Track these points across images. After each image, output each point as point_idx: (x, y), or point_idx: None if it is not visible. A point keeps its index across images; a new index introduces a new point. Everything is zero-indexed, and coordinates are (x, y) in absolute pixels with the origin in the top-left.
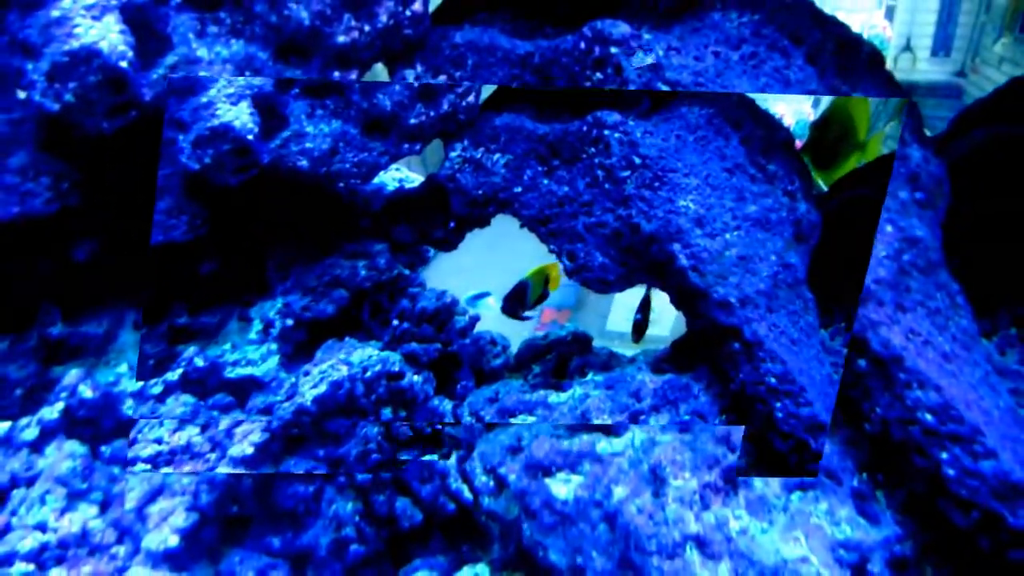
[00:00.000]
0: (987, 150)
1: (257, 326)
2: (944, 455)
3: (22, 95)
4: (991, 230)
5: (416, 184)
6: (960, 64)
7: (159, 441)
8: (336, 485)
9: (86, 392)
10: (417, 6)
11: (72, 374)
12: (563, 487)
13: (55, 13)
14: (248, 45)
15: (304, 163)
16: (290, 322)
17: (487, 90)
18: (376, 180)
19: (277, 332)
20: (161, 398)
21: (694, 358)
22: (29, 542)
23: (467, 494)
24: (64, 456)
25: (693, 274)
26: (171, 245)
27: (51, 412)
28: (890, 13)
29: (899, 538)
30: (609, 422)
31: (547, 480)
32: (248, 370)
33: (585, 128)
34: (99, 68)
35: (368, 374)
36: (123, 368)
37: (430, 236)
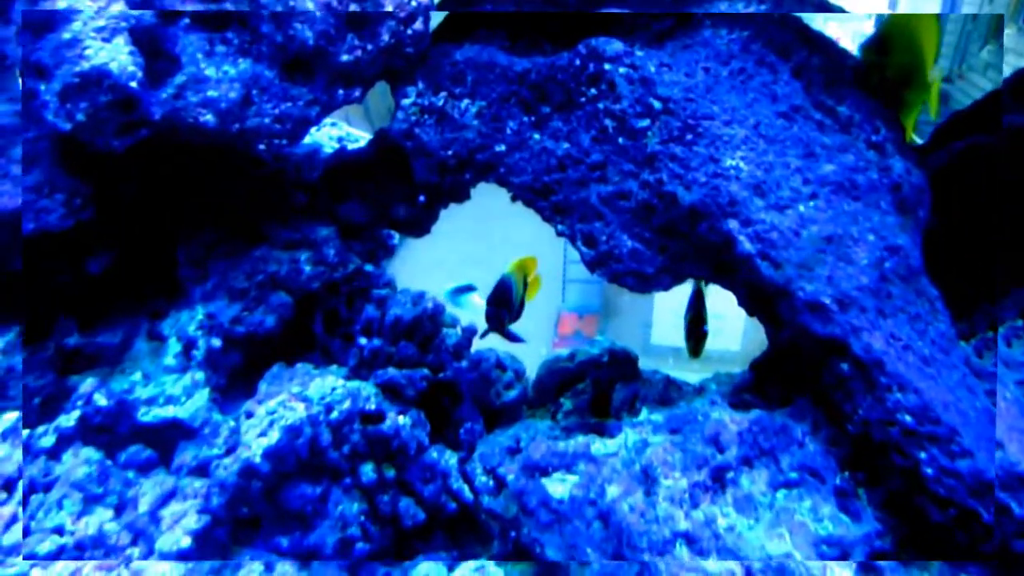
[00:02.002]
0: (966, 160)
1: (174, 347)
2: (923, 455)
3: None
4: (971, 237)
5: (362, 144)
6: (947, 70)
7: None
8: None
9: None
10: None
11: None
12: (559, 486)
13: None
14: (255, 64)
15: (209, 118)
16: (217, 341)
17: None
18: (308, 140)
19: (202, 355)
20: (55, 453)
21: (787, 386)
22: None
23: (468, 494)
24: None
25: (764, 264)
26: (46, 234)
27: (68, 420)
28: (879, 21)
29: (879, 533)
30: (683, 484)
31: (544, 480)
32: (169, 411)
33: (578, 62)
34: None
35: (334, 414)
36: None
37: (391, 215)
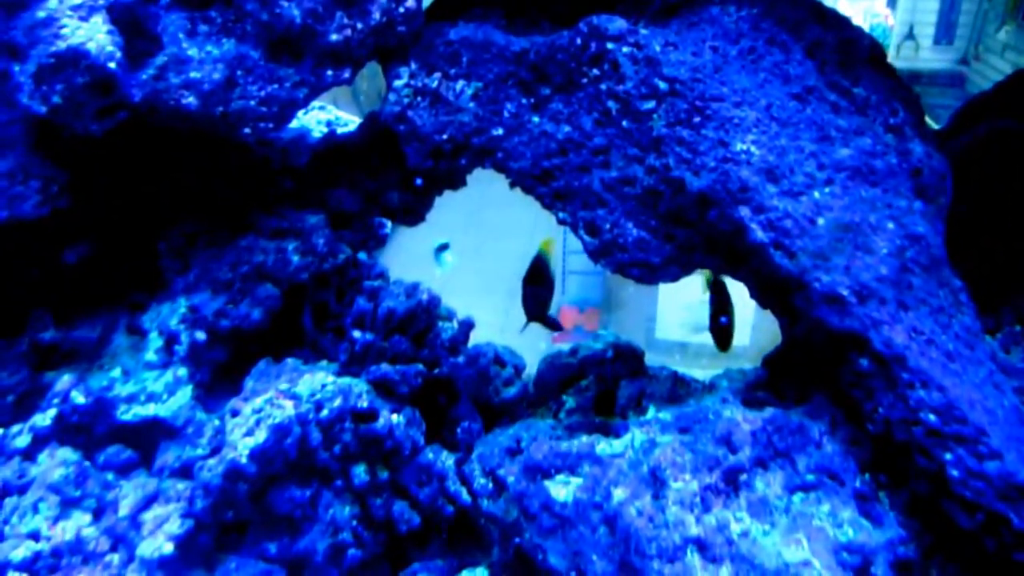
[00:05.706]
0: (990, 144)
1: (155, 341)
2: (948, 456)
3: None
4: (994, 225)
5: (352, 128)
6: (963, 52)
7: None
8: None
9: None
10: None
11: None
12: (562, 489)
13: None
14: (240, 44)
15: (191, 100)
16: (201, 335)
17: None
18: (295, 124)
19: (185, 350)
20: (30, 454)
21: (803, 383)
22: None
23: (465, 497)
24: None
25: (777, 253)
26: (21, 223)
27: (43, 419)
28: (892, 1)
29: (903, 540)
30: (694, 486)
31: (546, 482)
32: (150, 409)
33: (580, 41)
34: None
35: (325, 413)
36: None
37: (383, 202)
